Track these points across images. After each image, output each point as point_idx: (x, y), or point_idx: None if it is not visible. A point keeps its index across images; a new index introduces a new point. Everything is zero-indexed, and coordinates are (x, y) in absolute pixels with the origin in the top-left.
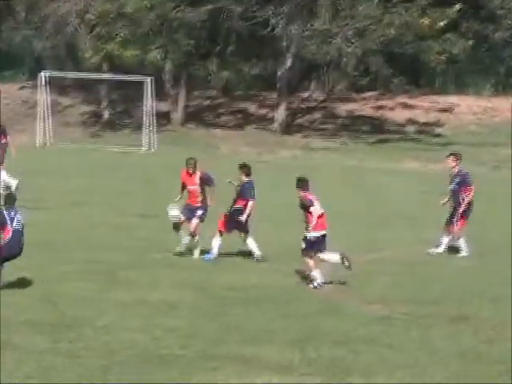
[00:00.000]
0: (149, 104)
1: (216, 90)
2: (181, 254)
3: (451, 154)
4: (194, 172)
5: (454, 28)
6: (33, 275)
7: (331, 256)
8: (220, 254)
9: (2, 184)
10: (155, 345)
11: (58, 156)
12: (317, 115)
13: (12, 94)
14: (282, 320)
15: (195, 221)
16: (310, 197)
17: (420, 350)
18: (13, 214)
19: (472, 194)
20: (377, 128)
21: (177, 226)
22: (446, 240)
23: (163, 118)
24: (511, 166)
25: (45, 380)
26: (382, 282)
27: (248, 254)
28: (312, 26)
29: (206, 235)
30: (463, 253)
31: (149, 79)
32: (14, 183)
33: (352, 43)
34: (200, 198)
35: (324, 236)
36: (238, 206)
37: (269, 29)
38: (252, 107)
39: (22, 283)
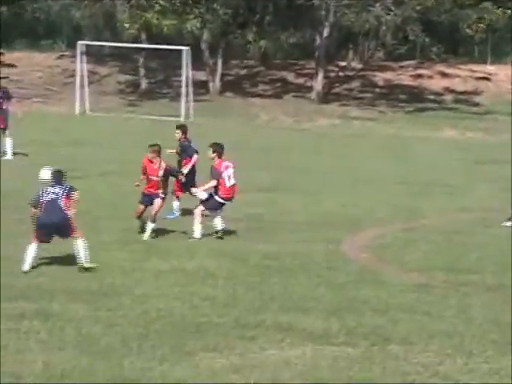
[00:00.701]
0: (186, 73)
1: (254, 59)
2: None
3: None
4: (157, 160)
5: None
6: (70, 244)
7: (218, 222)
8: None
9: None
10: (192, 313)
11: (95, 125)
12: (355, 84)
13: (50, 63)
14: (320, 289)
15: (158, 202)
16: (225, 164)
17: (458, 318)
18: (50, 189)
19: None
20: (415, 97)
21: (139, 217)
22: None
23: (201, 87)
24: None
25: (83, 348)
26: (420, 250)
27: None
28: None
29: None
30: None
31: (187, 48)
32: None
33: (391, 11)
34: (161, 191)
35: (224, 204)
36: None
37: None
38: (290, 76)
39: (60, 252)
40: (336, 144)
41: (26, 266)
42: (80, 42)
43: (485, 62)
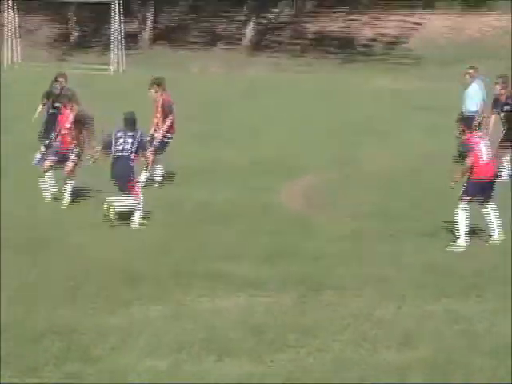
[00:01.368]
0: (116, 24)
1: (184, 9)
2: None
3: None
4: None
5: None
6: None
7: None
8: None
9: None
10: (126, 263)
11: (26, 78)
12: (286, 33)
13: None
14: (253, 236)
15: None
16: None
17: (390, 264)
18: (120, 134)
19: None
20: (346, 45)
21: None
22: None
23: (132, 38)
24: None
25: (17, 298)
26: (353, 197)
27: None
28: None
29: None
30: None
31: (116, 1)
32: None
33: None
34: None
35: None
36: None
37: None
38: (220, 26)
39: None
40: (268, 93)
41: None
42: None
43: (415, 10)
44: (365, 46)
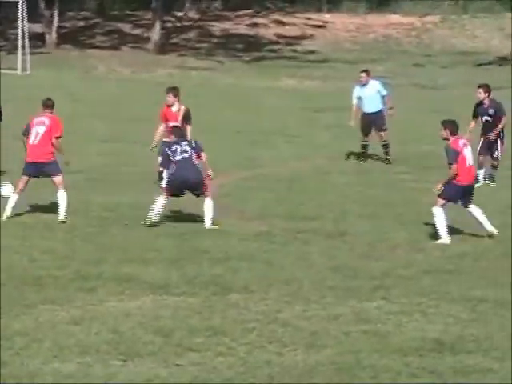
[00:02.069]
0: (22, 26)
1: (90, 10)
2: None
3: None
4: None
5: None
6: None
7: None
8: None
9: None
10: (31, 266)
11: None
12: (192, 34)
13: None
14: (159, 239)
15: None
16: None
17: (297, 266)
18: (175, 147)
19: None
20: (252, 46)
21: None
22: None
23: (38, 39)
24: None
25: None
26: (260, 198)
27: None
28: None
29: None
30: None
31: (21, 0)
32: None
33: None
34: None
35: None
36: None
37: None
38: (127, 27)
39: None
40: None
41: (153, 217)
42: None
43: (320, 11)
44: (271, 46)
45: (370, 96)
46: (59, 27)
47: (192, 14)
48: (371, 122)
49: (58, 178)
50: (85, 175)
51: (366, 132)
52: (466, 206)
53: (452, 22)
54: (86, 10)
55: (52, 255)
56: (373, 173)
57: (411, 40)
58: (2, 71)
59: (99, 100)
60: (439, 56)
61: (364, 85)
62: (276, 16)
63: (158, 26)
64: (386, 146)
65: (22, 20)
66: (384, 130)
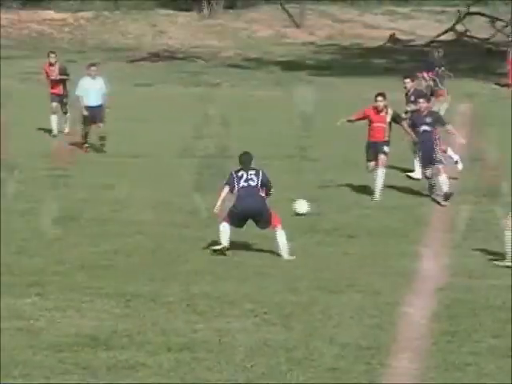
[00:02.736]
0: None
1: None
2: None
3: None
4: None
5: None
6: None
7: None
8: None
9: None
10: None
11: None
12: None
13: None
14: None
15: None
16: None
17: None
18: (242, 173)
19: None
20: None
21: None
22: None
23: None
24: None
25: None
26: None
27: None
28: None
29: None
30: None
31: None
32: None
33: None
34: None
35: None
36: None
37: None
38: None
39: None
40: None
41: (224, 242)
42: None
43: None
44: None
45: (96, 90)
46: None
47: None
48: (94, 115)
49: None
50: None
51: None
52: None
53: (104, 18)
54: None
55: None
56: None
57: (64, 36)
58: None
59: None
60: (92, 52)
61: (93, 78)
62: None
63: None
64: (103, 138)
65: None
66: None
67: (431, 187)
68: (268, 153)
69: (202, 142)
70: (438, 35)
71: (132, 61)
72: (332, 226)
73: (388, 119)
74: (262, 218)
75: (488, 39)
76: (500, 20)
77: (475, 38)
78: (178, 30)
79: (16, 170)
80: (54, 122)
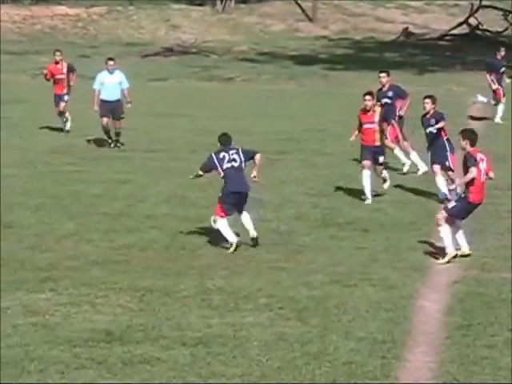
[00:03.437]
0: None
1: None
2: None
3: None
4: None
5: None
6: None
7: None
8: None
9: None
10: None
11: None
12: None
13: None
14: None
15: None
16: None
17: None
18: (223, 154)
19: None
20: None
21: None
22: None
23: None
24: None
25: None
26: None
27: None
28: None
29: None
30: None
31: None
32: None
33: None
34: None
35: None
36: None
37: None
38: None
39: None
40: None
41: (233, 239)
42: None
43: None
44: None
45: (113, 84)
46: None
47: None
48: (111, 110)
49: None
50: None
51: (105, 116)
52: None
53: (118, 13)
54: None
55: None
56: (38, 164)
57: (77, 31)
58: None
59: None
60: (105, 47)
61: (111, 72)
62: None
63: None
64: (118, 134)
65: None
66: (121, 119)
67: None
68: (281, 147)
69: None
70: (451, 29)
71: (145, 56)
72: (345, 220)
73: (377, 118)
74: (246, 200)
75: (501, 32)
76: None
77: (488, 31)
78: (192, 24)
79: (31, 165)
80: (62, 119)
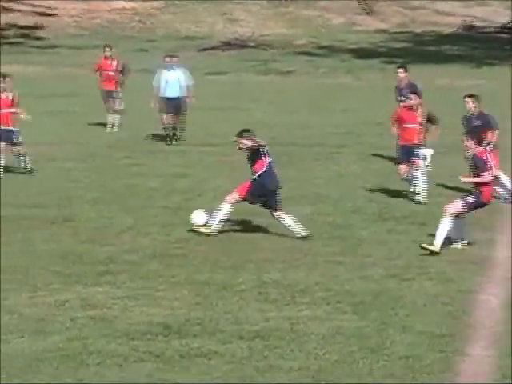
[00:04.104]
0: None
1: None
2: None
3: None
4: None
5: None
6: None
7: None
8: None
9: None
10: None
11: None
12: None
13: None
14: None
15: None
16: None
17: (22, 253)
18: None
19: None
20: None
21: None
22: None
23: None
24: None
25: None
26: None
27: None
28: None
29: None
30: None
31: None
32: None
33: None
34: None
35: None
36: None
37: None
38: None
39: None
40: None
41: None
42: None
43: None
44: None
45: (173, 81)
46: None
47: None
48: (171, 107)
49: None
50: None
51: (164, 113)
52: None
53: (175, 6)
54: None
55: None
56: (97, 158)
57: (135, 25)
58: None
59: None
60: (163, 41)
61: (170, 69)
62: (1, 2)
63: None
64: (176, 129)
65: None
66: (180, 115)
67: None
68: (339, 141)
69: (273, 130)
70: (511, 21)
71: (203, 49)
72: (402, 213)
73: (419, 118)
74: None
75: None
76: None
77: None
78: (249, 18)
79: (89, 159)
80: (109, 118)
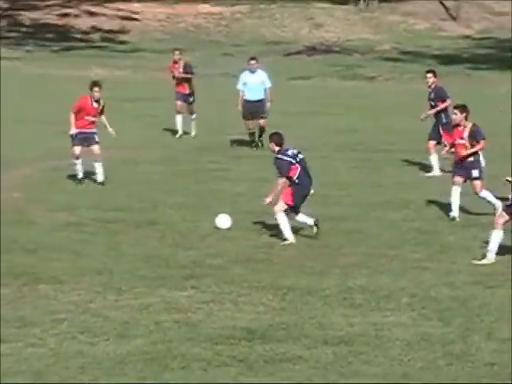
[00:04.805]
0: None
1: None
2: None
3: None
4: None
5: None
6: None
7: None
8: None
9: None
10: None
11: None
12: (1, 23)
13: None
14: None
15: None
16: None
17: (107, 256)
18: (290, 151)
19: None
20: (61, 36)
21: None
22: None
23: None
24: None
25: None
26: (67, 189)
27: None
28: None
29: None
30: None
31: None
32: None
33: None
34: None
35: None
36: None
37: None
38: None
39: None
40: None
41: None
42: None
43: (130, 0)
44: (80, 36)
45: (255, 84)
46: None
47: (1, 3)
48: (254, 110)
49: None
50: None
51: (248, 118)
52: None
53: (261, 11)
54: None
55: None
56: (181, 162)
57: (221, 29)
58: None
59: None
60: (248, 46)
61: (252, 71)
62: (86, 6)
63: None
64: (262, 132)
65: None
66: (264, 118)
67: None
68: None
69: (358, 135)
70: None
71: (288, 54)
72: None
73: (466, 134)
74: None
75: None
76: None
77: None
78: (335, 23)
79: (174, 163)
80: (178, 122)
